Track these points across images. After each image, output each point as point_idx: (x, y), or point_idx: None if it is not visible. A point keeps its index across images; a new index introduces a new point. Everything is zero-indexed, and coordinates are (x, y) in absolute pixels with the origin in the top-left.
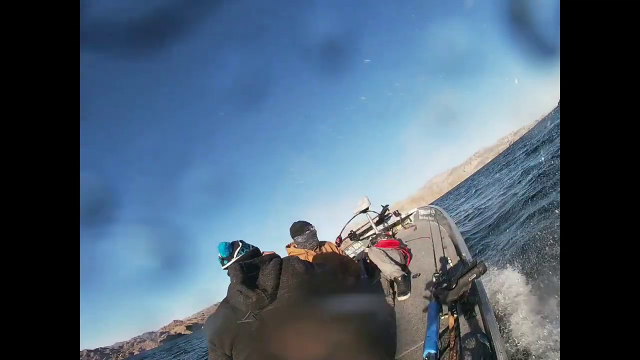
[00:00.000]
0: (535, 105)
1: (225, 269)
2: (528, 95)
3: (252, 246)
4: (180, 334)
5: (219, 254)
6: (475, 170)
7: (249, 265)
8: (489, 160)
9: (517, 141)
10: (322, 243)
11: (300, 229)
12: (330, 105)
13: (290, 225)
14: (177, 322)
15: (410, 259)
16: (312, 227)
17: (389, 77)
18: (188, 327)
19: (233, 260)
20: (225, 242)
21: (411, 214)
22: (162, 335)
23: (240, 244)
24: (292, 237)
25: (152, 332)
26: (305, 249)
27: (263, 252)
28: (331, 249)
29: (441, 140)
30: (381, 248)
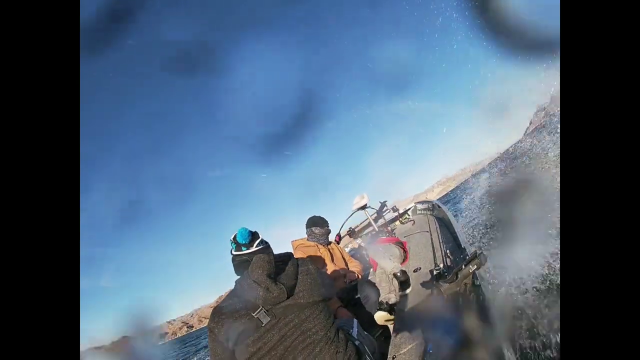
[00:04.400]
0: (498, 139)
1: (241, 255)
2: (491, 129)
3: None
4: None
5: (237, 239)
6: (437, 198)
7: (274, 261)
8: (451, 188)
9: (479, 171)
10: (330, 242)
11: (322, 222)
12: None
13: (309, 217)
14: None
15: (409, 254)
16: (329, 225)
17: (353, 102)
18: None
19: (252, 249)
20: (247, 229)
21: (409, 209)
22: None
23: (260, 236)
24: (309, 226)
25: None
26: (317, 243)
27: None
28: (338, 248)
29: (405, 167)
30: (380, 244)
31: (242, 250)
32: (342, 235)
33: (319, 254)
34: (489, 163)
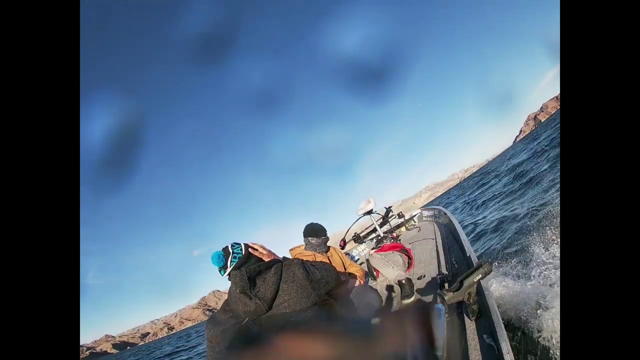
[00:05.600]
0: (488, 146)
1: (228, 276)
2: (481, 136)
3: (244, 246)
4: (105, 352)
5: (214, 265)
6: (425, 203)
7: (252, 273)
8: (439, 194)
9: (467, 178)
10: (328, 248)
11: (319, 231)
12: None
13: (306, 225)
14: (108, 337)
15: (414, 261)
16: (327, 233)
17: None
18: (115, 346)
19: (229, 269)
20: (217, 253)
21: (415, 215)
22: (87, 351)
23: (231, 250)
24: (306, 236)
25: (80, 346)
26: (314, 252)
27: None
28: (337, 254)
29: (395, 171)
30: (382, 253)
31: (222, 274)
32: (347, 240)
33: None
34: (477, 170)
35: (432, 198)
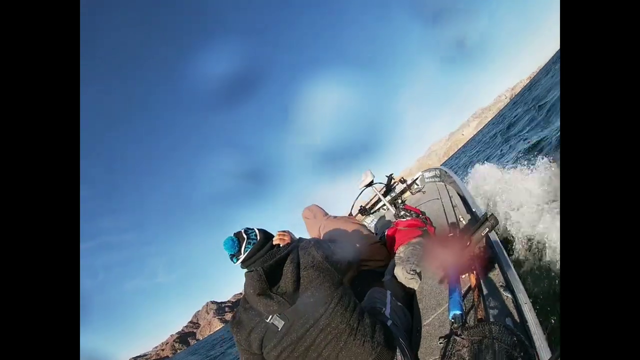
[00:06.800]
0: (530, 58)
1: (242, 264)
2: (520, 48)
3: (258, 232)
4: None
5: (226, 251)
6: (476, 132)
7: (269, 269)
8: (488, 119)
9: (516, 95)
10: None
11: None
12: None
13: None
14: None
15: (432, 228)
16: None
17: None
18: None
19: (242, 257)
20: (231, 238)
21: (417, 178)
22: None
23: (246, 236)
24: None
25: None
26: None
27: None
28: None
29: (436, 106)
30: (407, 243)
31: (234, 262)
32: (354, 215)
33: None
34: (525, 85)
35: (482, 126)
